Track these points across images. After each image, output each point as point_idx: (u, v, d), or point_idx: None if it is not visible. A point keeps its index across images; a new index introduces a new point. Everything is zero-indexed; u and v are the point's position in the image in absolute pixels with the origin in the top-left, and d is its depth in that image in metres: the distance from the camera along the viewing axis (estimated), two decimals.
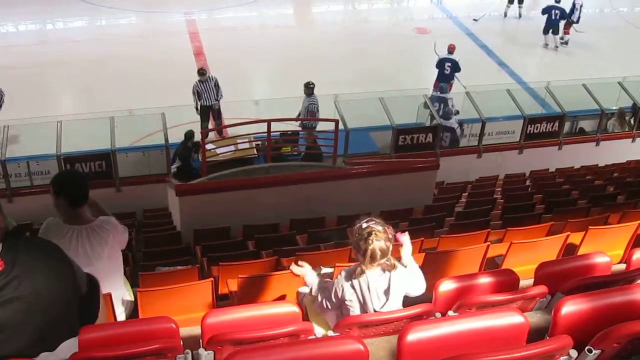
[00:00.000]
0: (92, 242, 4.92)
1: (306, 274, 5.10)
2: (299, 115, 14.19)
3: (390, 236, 4.39)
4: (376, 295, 4.42)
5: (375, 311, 4.41)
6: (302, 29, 21.93)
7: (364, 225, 4.37)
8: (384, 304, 4.42)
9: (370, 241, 4.29)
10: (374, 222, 4.40)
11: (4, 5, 21.96)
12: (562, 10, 20.34)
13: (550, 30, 20.65)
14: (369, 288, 4.41)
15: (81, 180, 5.07)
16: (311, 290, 5.11)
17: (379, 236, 4.31)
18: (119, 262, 5.33)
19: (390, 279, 4.44)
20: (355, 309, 4.47)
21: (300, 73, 17.89)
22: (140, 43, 20.19)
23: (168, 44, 20.12)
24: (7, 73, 17.82)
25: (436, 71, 16.73)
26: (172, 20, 22.18)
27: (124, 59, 18.92)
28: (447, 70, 17.28)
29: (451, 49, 17.00)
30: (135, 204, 12.47)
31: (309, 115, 13.92)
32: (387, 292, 4.43)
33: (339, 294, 4.49)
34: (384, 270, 4.43)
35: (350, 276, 4.47)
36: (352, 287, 4.44)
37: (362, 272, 4.39)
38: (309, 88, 14.11)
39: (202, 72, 14.89)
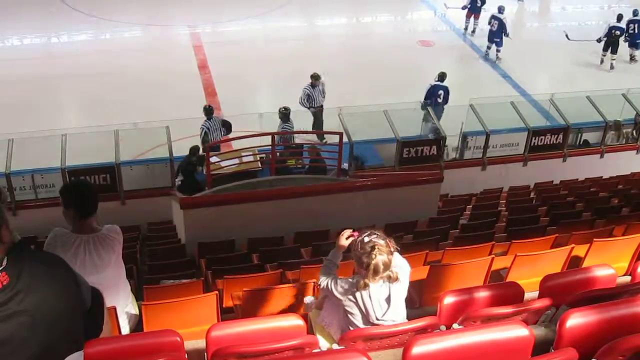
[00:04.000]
0: (100, 251, 4.95)
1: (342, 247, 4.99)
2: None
3: (392, 249, 4.39)
4: (378, 303, 4.43)
5: (377, 319, 4.41)
6: (306, 42, 21.95)
7: (366, 239, 4.38)
8: (386, 311, 4.43)
9: (374, 255, 4.30)
10: (375, 235, 4.40)
11: (8, 19, 22.11)
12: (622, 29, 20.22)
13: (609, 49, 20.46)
14: (370, 297, 4.41)
15: (90, 191, 5.13)
16: (316, 301, 5.11)
17: (382, 250, 4.32)
18: (124, 271, 5.36)
19: (391, 287, 4.44)
20: (357, 319, 4.47)
21: (304, 85, 17.98)
22: (144, 56, 20.25)
23: (172, 57, 20.18)
24: (12, 86, 17.93)
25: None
26: (177, 34, 22.26)
27: (128, 72, 18.98)
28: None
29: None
30: (140, 217, 12.47)
31: (282, 140, 14.00)
32: (388, 300, 4.44)
33: (338, 298, 4.50)
34: (384, 282, 4.44)
35: (350, 289, 4.47)
36: (354, 298, 4.44)
37: (366, 285, 4.39)
38: (282, 113, 14.13)
39: (209, 110, 14.48)
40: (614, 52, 20.46)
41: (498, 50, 20.48)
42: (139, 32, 22.55)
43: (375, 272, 4.33)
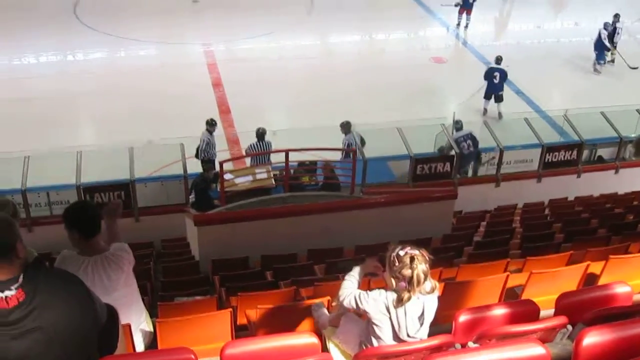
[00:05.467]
0: (108, 272, 4.91)
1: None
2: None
3: (427, 257, 4.36)
4: (412, 320, 4.38)
5: (408, 336, 4.37)
6: (319, 60, 22.03)
7: (402, 252, 4.35)
8: (418, 329, 4.39)
9: (415, 266, 4.27)
10: (409, 247, 4.38)
11: (25, 37, 22.30)
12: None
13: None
14: (405, 313, 4.37)
15: (92, 211, 5.04)
16: (331, 319, 5.09)
17: (420, 260, 4.29)
18: (136, 288, 5.33)
19: (425, 304, 4.41)
20: (385, 334, 4.41)
21: (318, 103, 18.10)
22: (159, 74, 20.38)
23: (187, 75, 20.29)
24: (28, 103, 18.09)
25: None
26: (191, 52, 22.38)
27: (143, 90, 19.10)
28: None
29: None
30: (154, 234, 12.50)
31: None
32: (421, 317, 4.41)
33: (365, 310, 4.45)
34: (418, 296, 4.40)
35: (384, 303, 4.41)
36: (388, 311, 4.39)
37: (409, 299, 4.34)
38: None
39: (212, 122, 14.54)
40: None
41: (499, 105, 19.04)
42: (154, 50, 22.72)
43: (418, 283, 4.30)
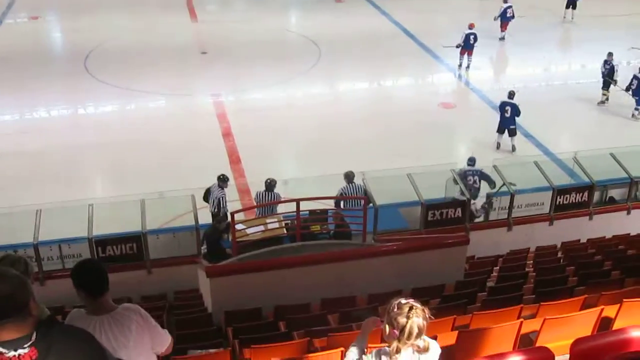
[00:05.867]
0: (115, 332, 4.83)
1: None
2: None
3: (427, 315, 4.34)
4: None
5: None
6: (328, 108, 22.17)
7: (404, 301, 4.34)
8: None
9: (411, 316, 4.24)
10: (412, 300, 4.37)
11: (37, 91, 22.61)
12: None
13: None
14: None
15: (98, 271, 4.95)
16: None
17: (419, 314, 4.26)
18: (148, 349, 5.26)
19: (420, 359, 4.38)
20: None
21: (328, 151, 18.18)
22: (169, 125, 20.55)
23: (197, 125, 20.46)
24: (39, 157, 18.25)
25: None
26: (200, 102, 22.60)
27: (153, 142, 19.27)
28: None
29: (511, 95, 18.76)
30: (166, 285, 12.51)
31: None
32: None
33: None
34: (413, 353, 4.37)
35: (381, 355, 4.40)
36: None
37: (399, 350, 4.31)
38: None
39: (225, 179, 14.42)
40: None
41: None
42: (164, 102, 22.98)
43: (410, 335, 4.25)
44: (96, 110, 22.59)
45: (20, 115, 21.97)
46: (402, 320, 4.24)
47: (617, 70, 21.74)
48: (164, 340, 5.33)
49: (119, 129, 20.30)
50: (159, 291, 12.28)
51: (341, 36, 27.96)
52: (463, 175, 15.29)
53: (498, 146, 19.19)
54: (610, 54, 21.89)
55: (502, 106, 18.95)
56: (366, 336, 4.79)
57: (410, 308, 4.24)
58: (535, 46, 26.95)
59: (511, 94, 19.01)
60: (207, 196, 14.24)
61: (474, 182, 15.34)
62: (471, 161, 15.70)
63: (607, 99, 21.81)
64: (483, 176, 15.38)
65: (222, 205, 14.02)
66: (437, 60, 26.17)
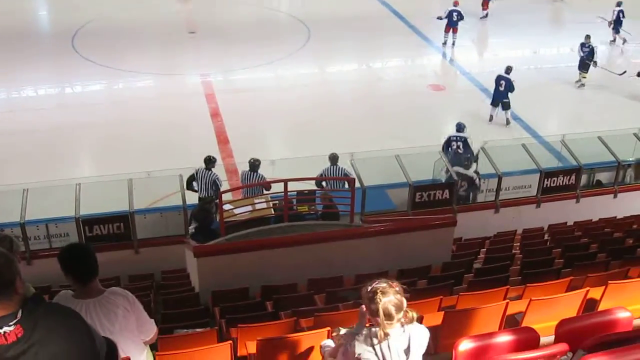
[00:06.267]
0: (100, 317, 4.83)
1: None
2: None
3: (397, 289, 4.32)
4: (397, 355, 4.36)
5: None
6: (317, 89, 22.13)
7: (369, 287, 4.33)
8: None
9: (378, 300, 4.23)
10: (377, 281, 4.36)
11: (23, 70, 22.44)
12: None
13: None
14: (389, 348, 4.34)
15: (86, 256, 4.89)
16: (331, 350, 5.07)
17: (387, 292, 4.25)
18: (134, 335, 5.18)
19: (410, 337, 4.38)
20: None
21: (316, 132, 18.15)
22: (157, 105, 20.46)
23: (185, 105, 20.37)
24: (26, 136, 18.15)
25: None
26: (189, 83, 22.51)
27: (141, 121, 19.20)
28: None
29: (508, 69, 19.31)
30: (154, 265, 12.49)
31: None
32: (407, 351, 4.38)
33: (356, 355, 4.41)
34: (403, 327, 4.37)
35: (371, 339, 4.40)
36: (373, 349, 4.37)
37: (386, 335, 4.31)
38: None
39: (208, 160, 14.12)
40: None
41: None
42: (152, 82, 22.84)
43: (388, 316, 4.25)
44: (83, 89, 22.44)
45: (7, 94, 21.80)
46: (373, 307, 4.25)
47: (596, 52, 21.94)
48: (150, 329, 5.32)
49: (106, 108, 20.21)
50: (146, 271, 12.26)
51: (331, 17, 27.82)
52: (448, 141, 15.64)
53: (491, 119, 19.89)
54: (587, 37, 22.06)
55: (498, 80, 19.53)
56: (362, 324, 4.78)
57: (375, 293, 4.24)
58: (525, 28, 26.96)
59: (508, 69, 19.54)
60: (190, 183, 13.93)
61: (458, 147, 15.58)
62: (458, 127, 15.92)
63: (583, 81, 22.02)
64: (466, 145, 15.59)
65: (219, 185, 13.93)
66: (427, 42, 26.14)
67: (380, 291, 4.23)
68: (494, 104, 19.75)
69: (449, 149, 15.55)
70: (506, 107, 19.57)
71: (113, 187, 13.65)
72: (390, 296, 4.23)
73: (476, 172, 14.99)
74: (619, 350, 3.84)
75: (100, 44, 24.50)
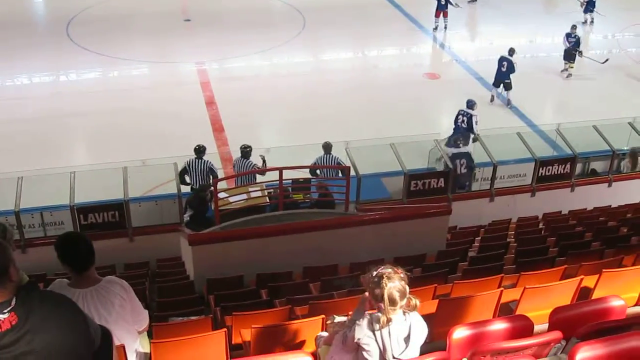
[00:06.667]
0: (97, 306, 4.86)
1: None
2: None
3: (402, 275, 4.34)
4: (397, 342, 4.37)
5: (394, 357, 4.36)
6: (313, 77, 22.10)
7: (374, 272, 4.35)
8: (404, 350, 4.38)
9: (384, 284, 4.24)
10: (382, 267, 4.38)
11: (17, 58, 22.34)
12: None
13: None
14: (390, 334, 4.35)
15: (83, 245, 4.90)
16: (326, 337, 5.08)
17: (392, 278, 4.27)
18: (129, 324, 5.22)
19: (411, 325, 4.39)
20: (373, 356, 4.41)
21: (311, 121, 18.16)
22: (152, 93, 20.42)
23: (180, 94, 20.32)
24: (21, 125, 18.10)
25: None
26: (184, 71, 22.48)
27: (136, 109, 19.16)
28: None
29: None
30: (149, 253, 12.48)
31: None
32: (407, 339, 4.39)
33: (356, 339, 4.42)
34: (404, 314, 4.38)
35: (372, 325, 4.40)
36: (374, 334, 4.38)
37: (389, 320, 4.32)
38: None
39: (198, 150, 13.90)
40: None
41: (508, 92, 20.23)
42: (147, 70, 22.80)
43: (392, 301, 4.26)
44: (78, 77, 22.36)
45: (1, 83, 21.68)
46: (378, 292, 4.26)
47: (581, 42, 21.91)
48: (144, 319, 5.35)
49: (101, 96, 20.13)
50: (141, 259, 12.25)
51: (326, 5, 27.72)
52: (457, 115, 16.71)
53: (492, 99, 20.23)
54: (573, 27, 21.99)
55: (500, 60, 19.83)
56: (362, 311, 4.78)
57: (381, 277, 4.25)
58: (521, 16, 26.92)
59: (511, 51, 19.80)
60: (183, 176, 13.72)
61: (462, 122, 16.71)
62: (468, 103, 16.95)
63: (570, 71, 22.00)
64: (470, 121, 16.60)
65: (215, 171, 13.89)
66: (422, 31, 26.07)
67: (387, 276, 4.25)
68: (496, 84, 20.09)
69: (457, 123, 16.65)
70: (508, 87, 19.91)
71: (108, 176, 13.61)
72: (395, 282, 4.26)
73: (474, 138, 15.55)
74: (613, 338, 3.85)
75: (95, 32, 24.36)
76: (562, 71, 22.03)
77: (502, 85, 19.95)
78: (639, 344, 3.83)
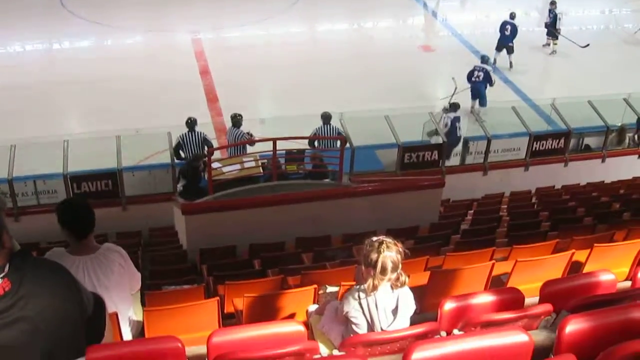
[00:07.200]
0: (98, 273, 4.86)
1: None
2: None
3: (400, 249, 4.35)
4: (384, 314, 4.39)
5: (382, 330, 4.39)
6: (307, 47, 22.03)
7: (374, 238, 4.36)
8: (391, 322, 4.40)
9: (382, 250, 4.25)
10: (384, 236, 4.39)
11: (11, 26, 22.17)
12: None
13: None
14: (377, 306, 4.37)
15: (84, 211, 4.90)
16: (318, 307, 5.11)
17: (390, 247, 4.28)
18: (126, 290, 5.27)
19: (399, 298, 4.41)
20: (362, 328, 4.44)
21: (306, 91, 18.08)
22: (146, 62, 20.32)
23: (174, 63, 20.21)
24: (14, 93, 17.98)
25: None
26: (179, 40, 22.34)
27: (130, 79, 19.03)
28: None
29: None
30: (142, 223, 12.47)
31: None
32: (395, 312, 4.41)
33: (344, 312, 4.45)
34: (392, 289, 4.41)
35: (359, 297, 4.42)
36: (360, 306, 4.40)
37: (375, 287, 4.33)
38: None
39: (189, 123, 13.67)
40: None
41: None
42: (141, 38, 22.67)
43: (383, 269, 4.26)
44: (72, 45, 22.21)
45: None
46: (374, 256, 4.27)
47: (560, 19, 21.67)
48: (138, 283, 5.38)
49: (95, 65, 20.00)
50: (134, 228, 12.24)
51: None
52: (472, 71, 17.40)
53: (495, 62, 20.16)
54: (552, 2, 21.75)
55: (503, 25, 20.22)
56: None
57: (381, 243, 4.27)
58: None
59: (512, 15, 20.13)
60: (178, 151, 13.54)
61: (477, 77, 17.44)
62: (483, 58, 17.98)
63: (554, 48, 21.97)
64: (487, 75, 17.41)
65: (210, 142, 13.84)
66: (418, 3, 25.96)
67: (386, 244, 4.26)
68: (498, 49, 20.34)
69: (472, 78, 17.31)
70: (510, 51, 20.34)
71: (101, 144, 13.60)
72: (392, 252, 4.27)
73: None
74: (601, 312, 3.88)
75: (90, 0, 24.17)
76: (543, 45, 22.07)
77: (505, 49, 20.21)
78: (628, 317, 3.85)
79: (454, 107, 15.34)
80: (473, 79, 17.44)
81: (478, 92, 17.48)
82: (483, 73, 17.32)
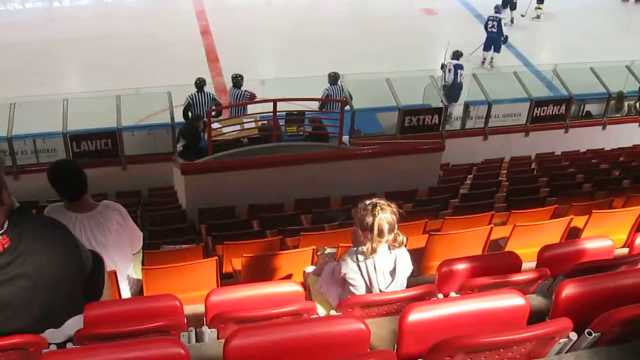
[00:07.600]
0: (95, 232, 4.87)
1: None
2: None
3: (394, 209, 4.35)
4: (382, 275, 4.40)
5: (380, 291, 4.40)
6: (309, 9, 21.84)
7: (367, 201, 4.36)
8: (390, 284, 4.42)
9: (376, 213, 4.25)
10: (377, 198, 4.39)
11: None
12: None
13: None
14: (375, 268, 4.38)
15: (74, 175, 4.87)
16: (316, 268, 5.13)
17: (385, 209, 4.27)
18: (125, 249, 5.27)
19: (397, 259, 4.42)
20: (360, 290, 4.45)
21: (307, 53, 17.97)
22: (147, 21, 20.19)
23: (175, 22, 20.10)
24: (14, 50, 17.88)
25: None
26: None
27: (130, 37, 18.93)
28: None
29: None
30: (141, 182, 12.48)
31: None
32: (392, 273, 4.42)
33: (342, 274, 4.46)
34: (390, 249, 4.41)
35: (357, 259, 4.43)
36: (359, 268, 4.41)
37: (374, 250, 4.34)
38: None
39: (199, 83, 13.73)
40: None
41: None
42: None
43: (380, 232, 4.26)
44: (72, 3, 22.03)
45: None
46: (369, 219, 4.27)
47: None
48: (138, 241, 5.37)
49: (95, 24, 19.90)
50: (133, 188, 12.26)
51: None
52: (487, 21, 18.38)
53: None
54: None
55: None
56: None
57: (375, 206, 4.27)
58: None
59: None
60: (187, 113, 13.70)
61: (492, 27, 18.40)
62: (496, 8, 18.71)
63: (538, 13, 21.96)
64: (499, 25, 18.34)
65: (218, 100, 13.93)
66: None
67: (380, 206, 4.26)
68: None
69: (487, 28, 18.33)
70: (513, 8, 21.14)
71: (101, 103, 13.54)
72: (387, 213, 4.26)
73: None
74: (598, 277, 3.89)
75: None
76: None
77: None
78: (624, 282, 3.86)
79: (456, 54, 15.68)
80: (489, 28, 18.35)
81: (493, 41, 18.48)
82: (496, 22, 18.11)
